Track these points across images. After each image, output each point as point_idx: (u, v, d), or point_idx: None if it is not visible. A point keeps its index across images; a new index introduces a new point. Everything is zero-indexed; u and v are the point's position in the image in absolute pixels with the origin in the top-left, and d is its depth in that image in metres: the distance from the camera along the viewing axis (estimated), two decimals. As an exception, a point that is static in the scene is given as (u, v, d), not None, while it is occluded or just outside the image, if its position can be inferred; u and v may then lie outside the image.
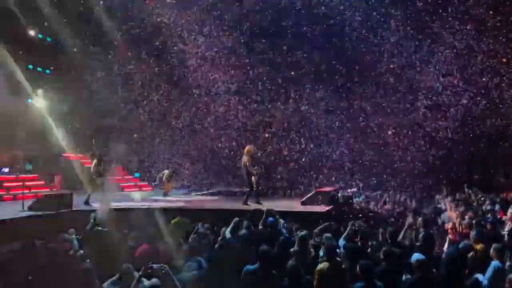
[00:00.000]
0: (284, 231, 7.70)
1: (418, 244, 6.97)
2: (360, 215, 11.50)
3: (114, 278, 5.21)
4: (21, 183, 14.27)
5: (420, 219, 8.27)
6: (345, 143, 18.91)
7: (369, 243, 7.09)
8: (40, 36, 18.39)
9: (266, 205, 11.14)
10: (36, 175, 15.72)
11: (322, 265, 5.49)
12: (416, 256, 5.29)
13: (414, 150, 18.19)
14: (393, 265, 5.58)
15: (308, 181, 18.41)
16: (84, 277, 4.98)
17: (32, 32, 17.85)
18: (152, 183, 17.53)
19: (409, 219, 9.66)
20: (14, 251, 6.41)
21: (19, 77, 16.37)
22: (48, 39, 18.50)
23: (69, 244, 6.82)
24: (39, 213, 10.31)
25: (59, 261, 5.97)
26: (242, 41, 18.96)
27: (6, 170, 14.91)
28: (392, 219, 11.22)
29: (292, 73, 19.15)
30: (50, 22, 17.08)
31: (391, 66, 18.24)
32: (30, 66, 18.11)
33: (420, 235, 7.15)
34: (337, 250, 6.18)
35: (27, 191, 13.29)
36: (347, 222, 8.01)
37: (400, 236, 7.47)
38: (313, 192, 13.31)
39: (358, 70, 18.61)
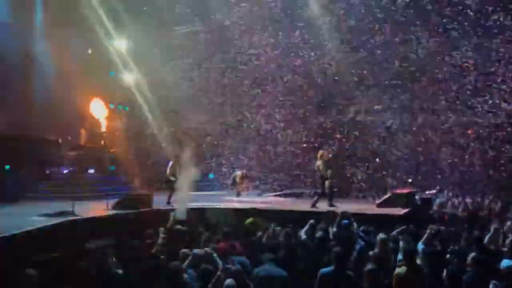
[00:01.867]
0: (361, 234, 7.60)
1: (505, 249, 6.58)
2: (440, 218, 11.03)
3: None
4: (105, 183, 15.36)
5: (509, 223, 7.75)
6: (421, 144, 18.09)
7: (450, 247, 6.80)
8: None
9: (340, 207, 11.04)
10: (119, 176, 16.75)
11: (400, 269, 5.39)
12: (506, 263, 4.99)
13: (497, 152, 17.00)
14: (481, 271, 5.31)
15: (384, 183, 17.77)
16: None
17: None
18: (230, 185, 17.92)
19: (495, 224, 9.11)
20: (108, 246, 6.85)
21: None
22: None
23: (153, 242, 7.17)
24: (123, 212, 10.82)
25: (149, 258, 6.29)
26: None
27: (92, 171, 15.93)
28: (475, 223, 10.61)
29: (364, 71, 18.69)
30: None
31: (465, 64, 17.23)
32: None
33: (508, 240, 6.73)
34: (416, 254, 5.99)
35: (111, 191, 14.10)
36: (425, 226, 7.72)
37: (485, 241, 7.10)
38: (389, 194, 12.93)
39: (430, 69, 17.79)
